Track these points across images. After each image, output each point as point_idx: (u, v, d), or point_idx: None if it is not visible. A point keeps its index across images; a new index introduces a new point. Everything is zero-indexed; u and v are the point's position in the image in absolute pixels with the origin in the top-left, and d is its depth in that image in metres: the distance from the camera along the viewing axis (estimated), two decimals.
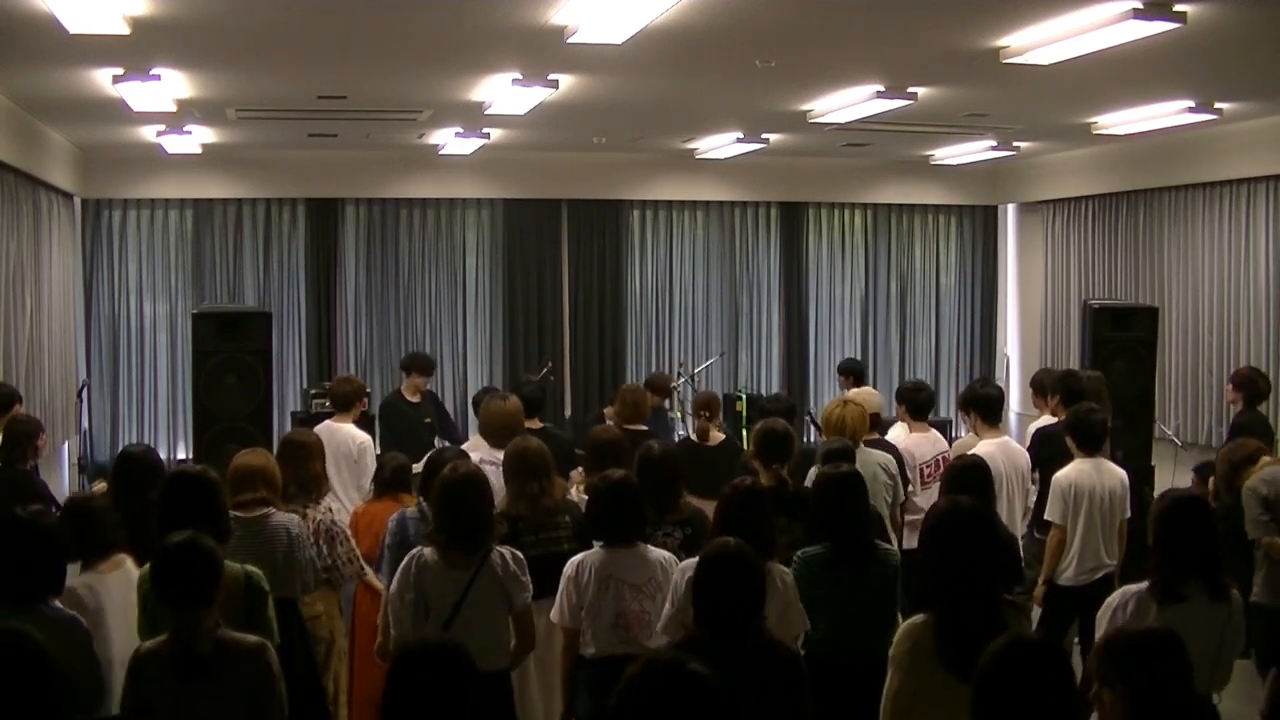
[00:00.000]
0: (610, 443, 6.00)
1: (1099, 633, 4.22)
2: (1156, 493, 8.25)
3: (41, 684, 3.06)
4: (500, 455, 5.97)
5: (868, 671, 4.60)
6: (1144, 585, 4.20)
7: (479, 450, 6.40)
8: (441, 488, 4.60)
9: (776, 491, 5.36)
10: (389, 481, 6.20)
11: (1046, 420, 7.26)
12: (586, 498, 5.89)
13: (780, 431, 5.86)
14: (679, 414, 10.34)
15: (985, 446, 6.59)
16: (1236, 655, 4.30)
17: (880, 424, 7.01)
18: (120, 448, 8.55)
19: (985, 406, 6.93)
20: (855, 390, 7.52)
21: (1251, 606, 5.84)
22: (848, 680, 4.42)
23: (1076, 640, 6.44)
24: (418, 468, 6.00)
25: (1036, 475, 6.92)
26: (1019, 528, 6.65)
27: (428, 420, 8.80)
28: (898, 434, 7.22)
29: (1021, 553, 6.24)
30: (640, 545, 4.75)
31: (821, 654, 4.54)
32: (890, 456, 6.39)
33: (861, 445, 6.29)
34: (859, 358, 13.24)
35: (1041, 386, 7.72)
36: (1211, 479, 7.34)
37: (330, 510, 5.66)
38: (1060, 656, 2.94)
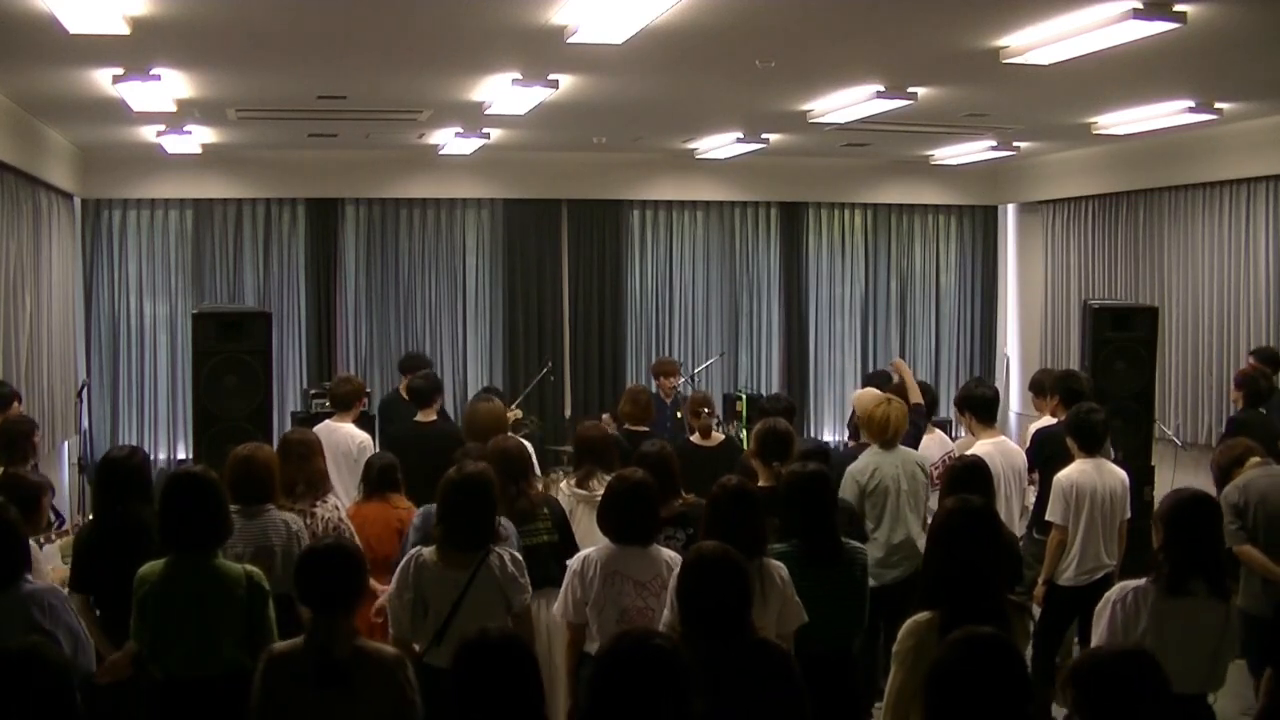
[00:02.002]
0: (598, 439, 6.16)
1: (1095, 627, 4.24)
2: (1156, 492, 8.27)
3: (63, 698, 3.05)
4: None
5: (835, 664, 4.66)
6: (1143, 580, 4.21)
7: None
8: (445, 487, 4.61)
9: (775, 491, 5.37)
10: (376, 481, 6.16)
11: (1046, 421, 7.26)
12: (573, 494, 5.94)
13: (781, 431, 5.88)
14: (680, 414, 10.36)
15: (982, 446, 6.60)
16: (1232, 656, 4.31)
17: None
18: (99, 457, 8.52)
19: (980, 407, 6.94)
20: (859, 391, 7.51)
21: (1236, 610, 5.86)
22: (815, 672, 4.42)
23: (1076, 640, 6.45)
24: None
25: (1036, 476, 6.92)
26: (1016, 528, 6.65)
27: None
28: None
29: (1021, 553, 6.25)
30: (651, 545, 4.76)
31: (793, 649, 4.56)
32: (925, 456, 6.42)
33: (899, 445, 6.31)
34: (860, 358, 13.28)
35: (1041, 387, 7.71)
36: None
37: (338, 508, 5.66)
38: (1011, 651, 2.95)
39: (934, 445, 7.13)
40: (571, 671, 4.72)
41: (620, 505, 4.76)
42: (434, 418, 7.71)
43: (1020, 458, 6.84)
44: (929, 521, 6.39)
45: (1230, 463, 6.15)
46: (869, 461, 6.24)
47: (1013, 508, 6.67)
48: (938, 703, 2.88)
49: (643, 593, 4.62)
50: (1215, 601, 4.19)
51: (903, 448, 6.35)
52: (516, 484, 5.38)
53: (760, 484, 5.57)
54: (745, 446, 8.87)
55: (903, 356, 13.15)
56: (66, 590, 4.93)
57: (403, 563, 4.59)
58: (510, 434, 6.03)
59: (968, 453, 6.27)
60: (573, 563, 4.72)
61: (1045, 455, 6.76)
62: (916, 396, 7.10)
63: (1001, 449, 6.73)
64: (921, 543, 6.05)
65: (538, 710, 3.07)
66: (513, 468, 5.41)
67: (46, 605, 4.07)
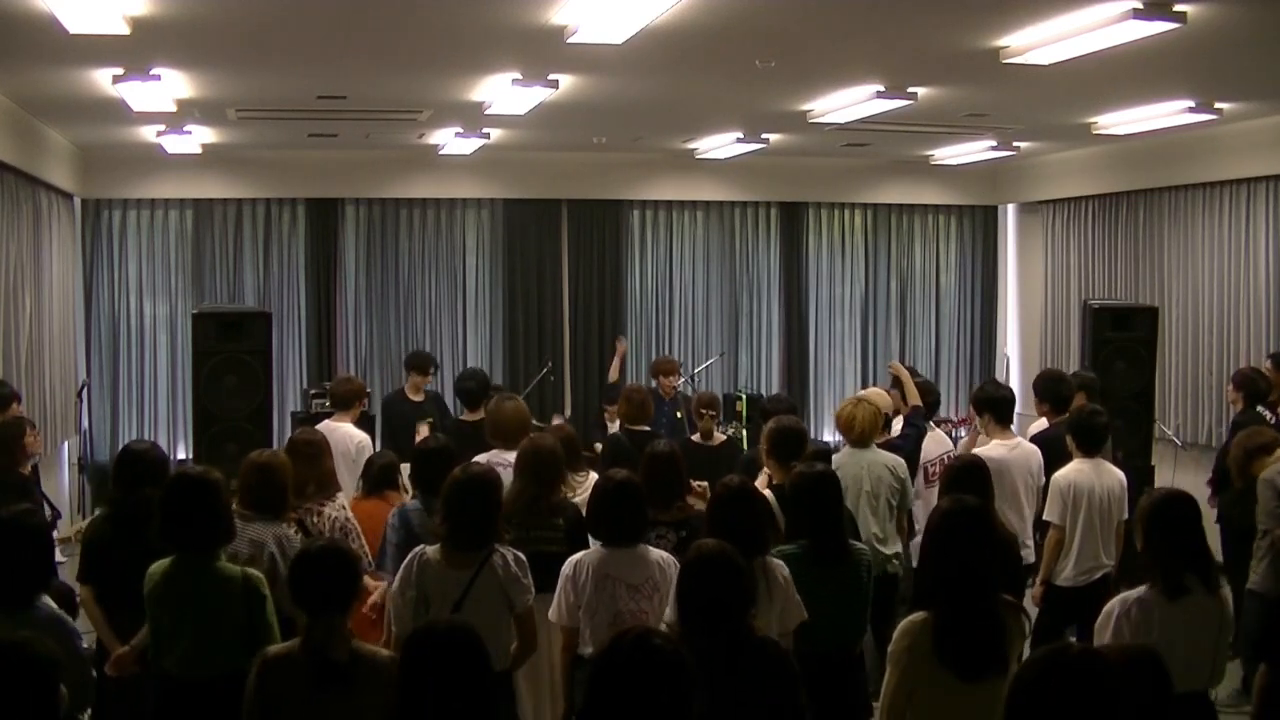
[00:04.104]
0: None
1: (1100, 641, 4.21)
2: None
3: (48, 694, 3.05)
4: (510, 457, 5.99)
5: (838, 664, 4.68)
6: (1141, 590, 4.20)
7: (490, 453, 6.38)
8: (450, 486, 4.61)
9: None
10: (377, 479, 6.18)
11: (1042, 425, 7.26)
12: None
13: (795, 429, 5.88)
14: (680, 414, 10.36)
15: (996, 448, 6.59)
16: (1228, 649, 4.31)
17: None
18: (120, 448, 8.55)
19: (998, 408, 6.93)
20: (866, 390, 7.53)
21: (1248, 594, 5.86)
22: (819, 672, 4.44)
23: (1073, 640, 6.45)
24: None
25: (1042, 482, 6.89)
26: (1028, 528, 6.63)
27: (429, 419, 8.79)
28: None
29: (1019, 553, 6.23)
30: (640, 546, 4.76)
31: (795, 648, 4.56)
32: (900, 460, 6.39)
33: (873, 446, 6.30)
34: (860, 358, 13.28)
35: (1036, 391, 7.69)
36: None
37: (344, 507, 5.64)
38: (1100, 667, 2.80)
39: (932, 445, 7.13)
40: (566, 674, 4.73)
41: (608, 505, 4.75)
42: (481, 416, 7.57)
43: (1036, 458, 6.78)
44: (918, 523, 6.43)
45: (1257, 448, 6.13)
46: (836, 460, 6.25)
47: (1024, 509, 6.63)
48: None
49: (635, 596, 4.62)
50: (1209, 597, 4.19)
51: (879, 450, 6.32)
52: (542, 484, 5.33)
53: (775, 482, 5.58)
54: (745, 446, 8.90)
55: (903, 356, 13.18)
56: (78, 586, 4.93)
57: (406, 560, 4.58)
58: (544, 433, 5.93)
59: (968, 452, 6.27)
60: (566, 567, 4.72)
61: (1046, 459, 6.74)
62: (915, 399, 7.10)
63: (1016, 450, 6.69)
64: (888, 546, 6.09)
65: (484, 704, 3.09)
66: (541, 468, 5.36)
67: (54, 637, 3.95)
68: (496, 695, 3.19)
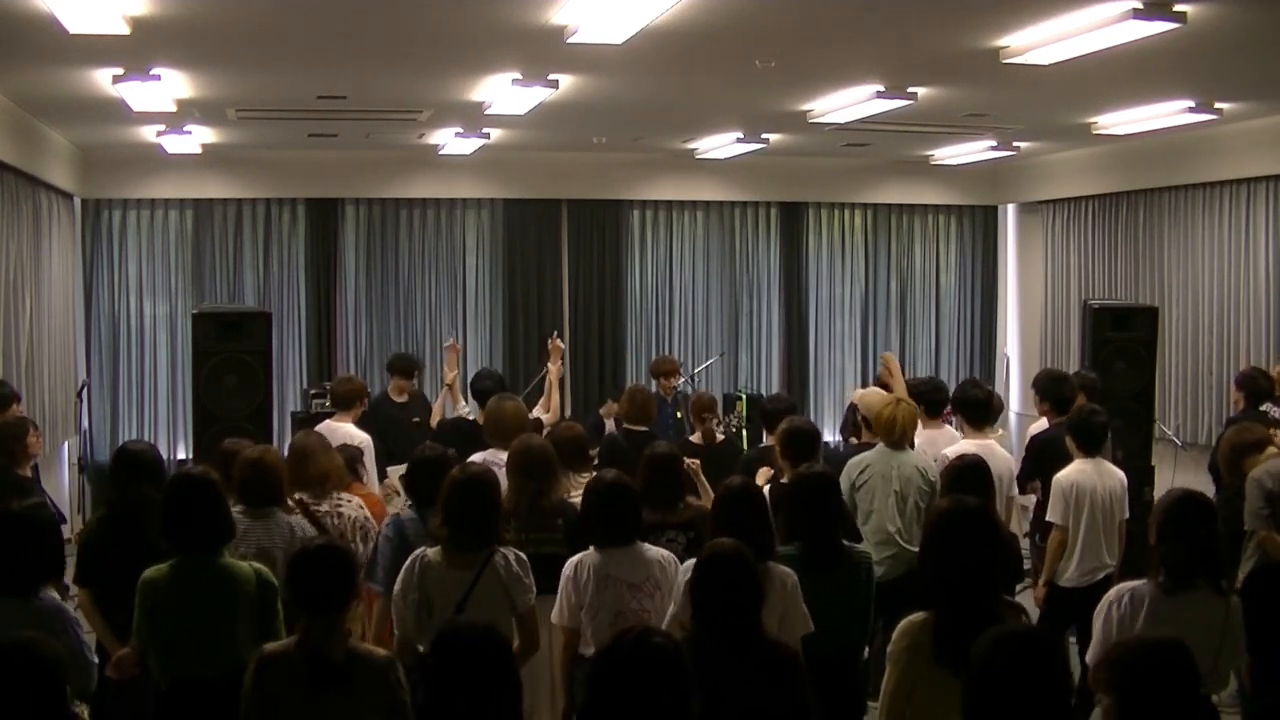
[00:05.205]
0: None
1: (1095, 628, 4.24)
2: (1156, 493, 8.28)
3: (53, 693, 3.05)
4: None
5: (836, 668, 4.64)
6: (1140, 582, 4.21)
7: (486, 452, 6.38)
8: (450, 487, 4.60)
9: None
10: None
11: (1042, 424, 7.25)
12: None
13: (807, 430, 5.87)
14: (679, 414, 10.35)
15: (967, 447, 6.58)
16: (1235, 659, 4.29)
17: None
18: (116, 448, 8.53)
19: (971, 408, 6.94)
20: (860, 391, 7.53)
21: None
22: (818, 676, 4.44)
23: (1073, 640, 6.45)
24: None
25: (1037, 484, 6.87)
26: None
27: (416, 420, 8.76)
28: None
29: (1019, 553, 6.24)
30: (637, 545, 4.75)
31: None
32: (931, 463, 6.39)
33: (907, 448, 6.30)
34: (860, 358, 13.27)
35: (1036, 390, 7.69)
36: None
37: (362, 506, 5.64)
38: (1054, 648, 2.92)
39: (942, 440, 7.09)
40: (566, 674, 4.72)
41: (599, 505, 4.74)
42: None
43: (1005, 464, 6.79)
44: None
45: (1247, 446, 6.10)
46: (865, 458, 6.27)
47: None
48: (977, 701, 2.87)
49: (636, 595, 4.62)
50: (1215, 600, 4.18)
51: (912, 452, 6.33)
52: (538, 484, 5.32)
53: (783, 482, 5.59)
54: (745, 447, 8.90)
55: (903, 356, 13.15)
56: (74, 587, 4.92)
57: (407, 562, 4.58)
58: (535, 435, 5.93)
59: (967, 452, 6.27)
60: (566, 568, 4.71)
61: (1044, 459, 6.73)
62: (902, 394, 7.10)
63: (986, 451, 6.67)
64: (914, 544, 6.06)
65: (513, 701, 3.10)
66: (534, 467, 5.34)
67: (54, 628, 4.00)
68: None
